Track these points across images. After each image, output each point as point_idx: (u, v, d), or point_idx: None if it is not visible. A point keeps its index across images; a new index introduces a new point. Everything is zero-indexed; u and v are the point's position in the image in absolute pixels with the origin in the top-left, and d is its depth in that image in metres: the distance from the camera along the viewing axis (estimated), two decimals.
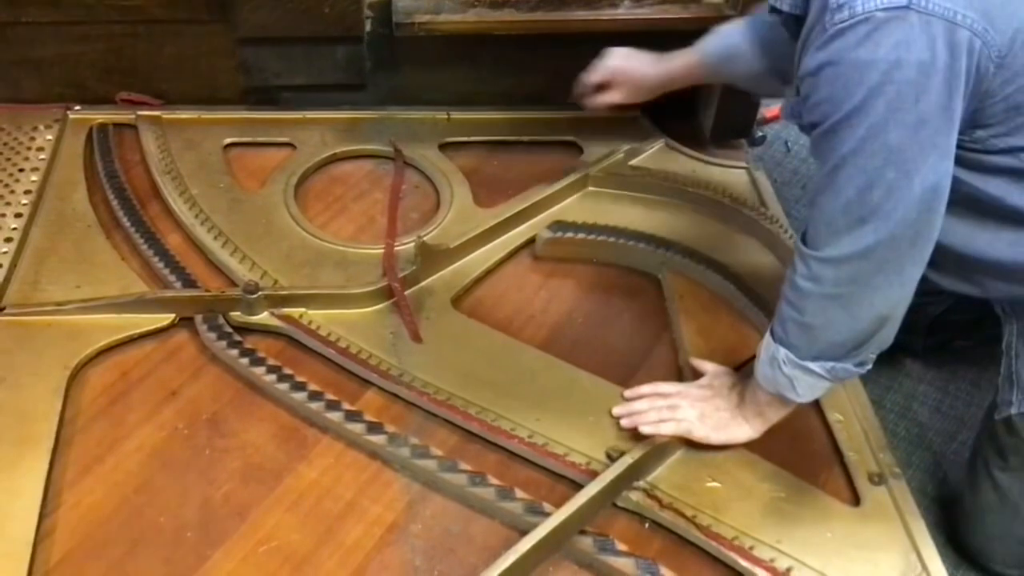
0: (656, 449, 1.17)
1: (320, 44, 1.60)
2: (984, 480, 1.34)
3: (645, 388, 1.25)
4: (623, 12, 1.60)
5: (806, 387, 1.13)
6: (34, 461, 1.12)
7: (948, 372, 1.62)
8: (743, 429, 1.20)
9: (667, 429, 1.19)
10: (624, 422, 1.22)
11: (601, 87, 1.53)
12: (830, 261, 1.04)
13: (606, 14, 1.60)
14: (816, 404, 1.27)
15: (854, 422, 1.26)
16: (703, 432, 1.19)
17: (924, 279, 1.07)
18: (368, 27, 1.59)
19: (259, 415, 1.22)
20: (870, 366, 1.12)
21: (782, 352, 1.11)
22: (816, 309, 1.07)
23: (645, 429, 1.19)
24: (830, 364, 1.10)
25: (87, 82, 1.63)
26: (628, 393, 1.26)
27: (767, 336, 1.15)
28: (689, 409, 1.21)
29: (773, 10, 1.17)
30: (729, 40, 1.41)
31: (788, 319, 1.10)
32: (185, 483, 1.14)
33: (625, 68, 1.50)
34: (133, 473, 1.15)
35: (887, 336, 1.09)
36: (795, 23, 1.15)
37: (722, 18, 1.57)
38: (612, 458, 1.16)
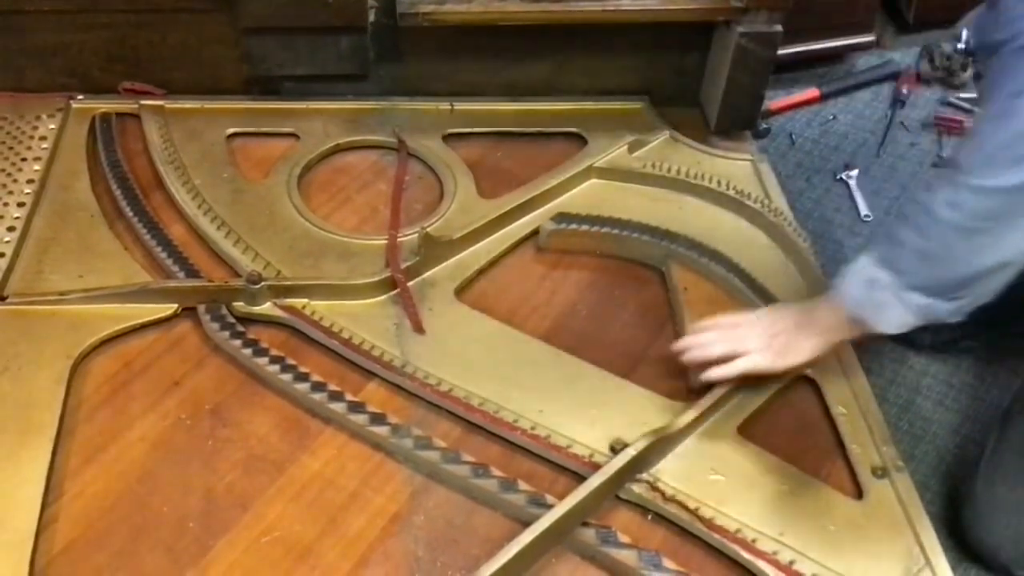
0: (659, 441, 1.17)
1: (324, 34, 1.59)
2: (999, 476, 1.34)
3: (707, 321, 1.25)
4: (628, 3, 1.59)
5: (894, 317, 1.10)
6: (37, 450, 1.12)
7: (952, 366, 1.61)
8: (804, 348, 1.19)
9: (737, 368, 1.19)
10: (687, 356, 1.22)
11: None
12: (981, 191, 1.00)
13: (611, 5, 1.59)
14: (819, 396, 1.27)
15: (857, 415, 1.25)
16: (768, 361, 1.19)
17: None
18: (372, 17, 1.58)
19: (262, 406, 1.22)
20: (962, 317, 1.09)
21: (883, 274, 1.08)
22: (944, 236, 1.04)
23: (713, 374, 1.19)
24: (929, 300, 1.07)
25: (90, 71, 1.62)
26: (684, 342, 1.25)
27: (862, 257, 1.12)
28: (755, 338, 1.20)
29: None
30: None
31: (905, 243, 1.07)
32: (188, 473, 1.14)
33: None
34: (136, 463, 1.15)
35: (996, 285, 1.06)
36: None
37: (729, 9, 1.57)
38: (615, 450, 1.16)
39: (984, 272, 1.05)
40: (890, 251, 1.09)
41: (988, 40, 1.04)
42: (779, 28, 1.58)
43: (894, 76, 2.16)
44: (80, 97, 1.63)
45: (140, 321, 1.29)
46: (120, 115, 1.62)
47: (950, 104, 2.11)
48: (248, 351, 1.26)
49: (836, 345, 1.21)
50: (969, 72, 2.14)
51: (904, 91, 2.10)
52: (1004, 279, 1.06)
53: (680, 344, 1.24)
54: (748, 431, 1.23)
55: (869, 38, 2.15)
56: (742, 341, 1.21)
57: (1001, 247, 1.02)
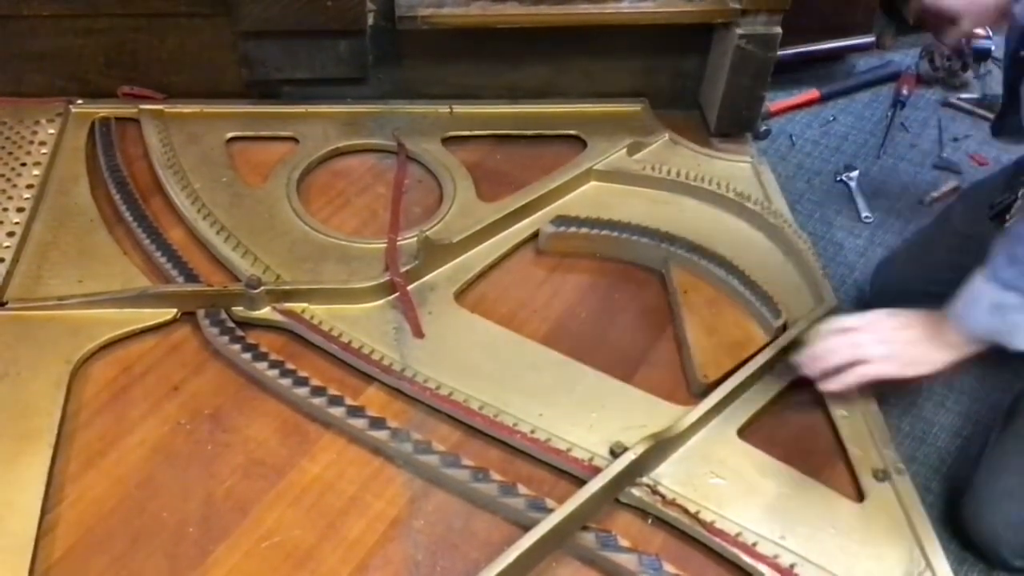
0: (659, 444, 1.16)
1: (322, 38, 1.59)
2: (1000, 468, 1.34)
3: (823, 329, 1.21)
4: (627, 6, 1.59)
5: None
6: (36, 456, 1.12)
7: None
8: (935, 360, 1.17)
9: (861, 377, 1.17)
10: (807, 370, 1.20)
11: (943, 19, 1.49)
12: None
13: (610, 7, 1.59)
14: (820, 399, 1.27)
15: (858, 418, 1.25)
16: (894, 369, 1.17)
17: None
18: (370, 21, 1.58)
19: (261, 410, 1.22)
20: None
21: (1012, 297, 1.08)
22: None
23: (833, 386, 1.17)
24: None
25: (89, 75, 1.62)
26: (807, 354, 1.22)
27: (980, 285, 1.12)
28: (875, 345, 1.17)
29: None
30: None
31: None
32: (187, 478, 1.14)
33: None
34: (135, 468, 1.15)
35: None
36: None
37: (728, 12, 1.56)
38: (615, 454, 1.16)
39: None
40: (1012, 273, 1.09)
41: None
42: (778, 30, 1.58)
43: (894, 77, 2.16)
44: (79, 101, 1.63)
45: (139, 326, 1.29)
46: (119, 119, 1.62)
47: (950, 105, 2.10)
48: (247, 356, 1.26)
49: (965, 358, 1.18)
50: (970, 73, 2.14)
51: (904, 92, 2.10)
52: None
53: (803, 358, 1.22)
54: (749, 434, 1.23)
55: (869, 39, 2.15)
56: (862, 347, 1.18)
57: None
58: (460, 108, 1.70)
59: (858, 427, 1.24)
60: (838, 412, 1.25)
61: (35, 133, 1.55)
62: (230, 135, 1.62)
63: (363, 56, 1.63)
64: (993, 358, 1.34)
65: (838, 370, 1.19)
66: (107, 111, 1.62)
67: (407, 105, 1.69)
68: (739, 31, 1.57)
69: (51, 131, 1.56)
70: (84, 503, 1.11)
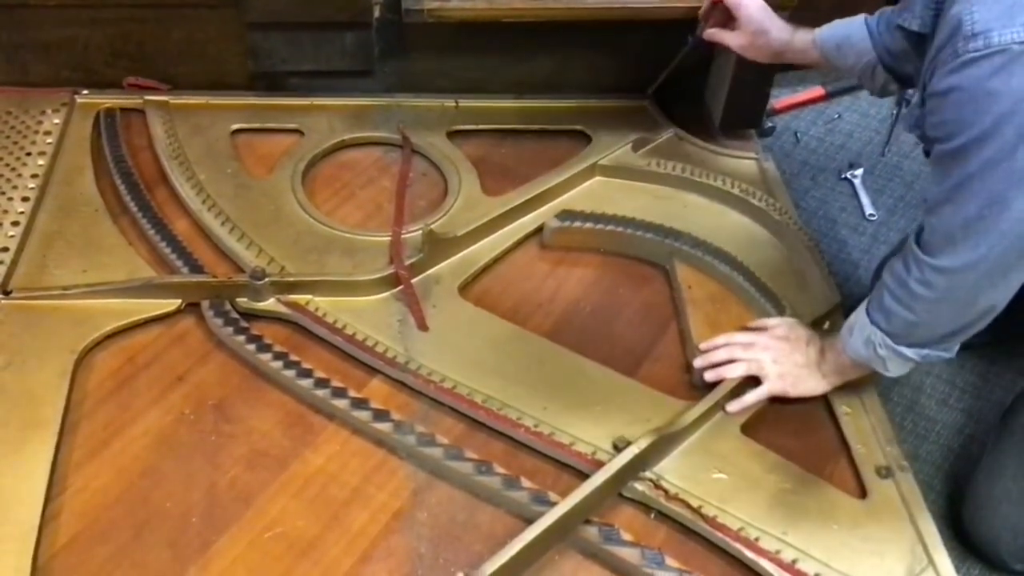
0: (662, 439, 1.16)
1: (329, 30, 1.59)
2: (1000, 470, 1.34)
3: (720, 339, 1.29)
4: (634, 1, 1.58)
5: (896, 367, 1.19)
6: (40, 445, 1.13)
7: (955, 366, 1.61)
8: (820, 384, 1.26)
9: (738, 370, 1.25)
10: (708, 375, 1.26)
11: (724, 23, 1.51)
12: (944, 271, 1.08)
13: (616, 2, 1.59)
14: (824, 396, 1.27)
15: (862, 415, 1.25)
16: (782, 389, 1.25)
17: None
18: (377, 13, 1.58)
19: (265, 401, 1.22)
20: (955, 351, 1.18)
21: (879, 335, 1.17)
22: (925, 309, 1.12)
23: (709, 376, 1.26)
24: (925, 351, 1.16)
25: (95, 66, 1.62)
26: (703, 345, 1.30)
27: (862, 316, 1.19)
28: (763, 352, 1.26)
29: (899, 27, 1.22)
30: (846, 31, 1.41)
31: (889, 310, 1.15)
32: (191, 468, 1.14)
33: (759, 18, 1.47)
34: (139, 458, 1.15)
35: (985, 324, 1.13)
36: (920, 40, 1.19)
37: None
38: (618, 448, 1.16)
39: (971, 323, 1.13)
40: (882, 317, 1.17)
41: (924, 135, 1.12)
42: None
43: None
44: (85, 92, 1.63)
45: (144, 316, 1.29)
46: (124, 110, 1.62)
47: None
48: (252, 347, 1.26)
49: (847, 381, 1.27)
50: None
51: (909, 91, 2.09)
52: (992, 317, 1.12)
53: (697, 362, 1.28)
54: (752, 430, 1.23)
55: None
56: (759, 365, 1.25)
57: (977, 303, 1.10)
58: (465, 102, 1.70)
59: (861, 424, 1.24)
60: (841, 408, 1.26)
61: (40, 123, 1.55)
62: (235, 127, 1.62)
63: (369, 49, 1.63)
64: (996, 357, 1.35)
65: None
66: (112, 102, 1.62)
67: (412, 98, 1.69)
68: None
69: (56, 121, 1.56)
70: (88, 492, 1.11)
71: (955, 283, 1.09)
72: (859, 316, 1.20)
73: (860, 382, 1.27)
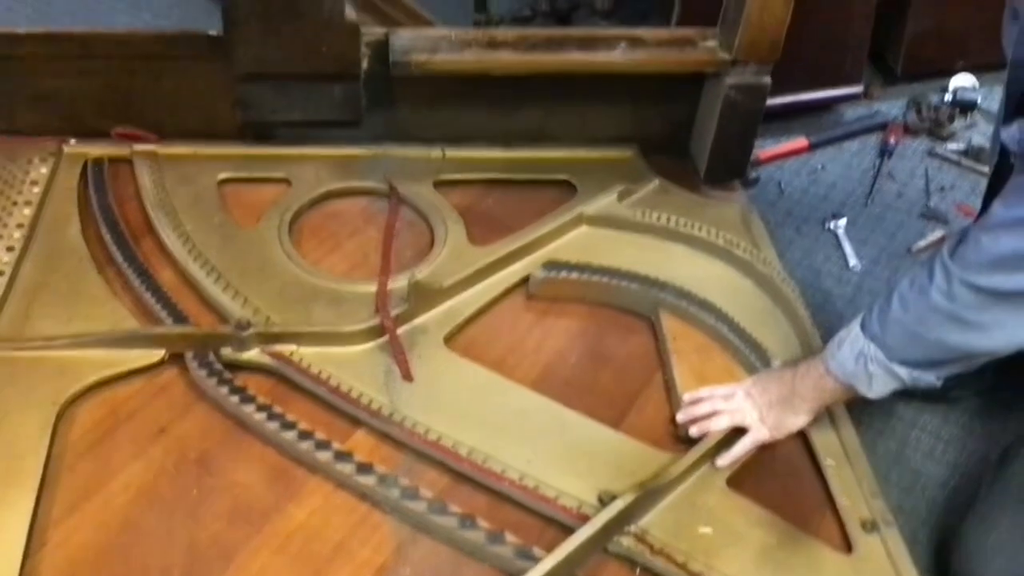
0: (648, 493, 1.16)
1: (317, 81, 1.60)
2: (991, 520, 1.34)
3: (702, 391, 1.29)
4: (619, 54, 1.60)
5: (881, 385, 1.17)
6: (20, 498, 1.11)
7: (940, 418, 1.61)
8: (799, 418, 1.25)
9: (721, 423, 1.24)
10: (692, 430, 1.26)
11: None
12: (975, 287, 1.06)
13: (602, 56, 1.61)
14: (808, 449, 1.27)
15: (847, 467, 1.25)
16: (766, 435, 1.25)
17: None
18: (365, 65, 1.59)
19: (248, 454, 1.21)
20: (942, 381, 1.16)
21: (872, 348, 1.15)
22: (936, 322, 1.10)
23: (693, 431, 1.25)
24: (916, 372, 1.14)
25: (84, 116, 1.62)
26: (686, 398, 1.30)
27: (854, 329, 1.18)
28: (750, 411, 1.25)
29: None
30: None
31: (895, 321, 1.13)
32: (172, 523, 1.13)
33: None
34: (119, 512, 1.14)
35: (979, 363, 1.13)
36: None
37: (718, 62, 1.58)
38: (603, 502, 1.15)
39: (969, 355, 1.12)
40: (879, 326, 1.15)
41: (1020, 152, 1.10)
42: (767, 80, 1.60)
43: (882, 127, 2.18)
44: (72, 142, 1.63)
45: (127, 367, 1.28)
46: (112, 160, 1.62)
47: (937, 155, 2.13)
48: (235, 399, 1.25)
49: (826, 407, 1.27)
50: (956, 124, 2.16)
51: (892, 142, 2.12)
52: (990, 358, 1.12)
53: (680, 417, 1.28)
54: (737, 482, 1.23)
55: (857, 89, 2.18)
56: (742, 415, 1.25)
57: (987, 339, 1.09)
58: (452, 152, 1.71)
59: (846, 477, 1.24)
60: (827, 461, 1.26)
61: (27, 173, 1.55)
62: (223, 176, 1.62)
63: (357, 100, 1.64)
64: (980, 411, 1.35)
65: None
66: (100, 151, 1.62)
67: (400, 148, 1.70)
68: (729, 81, 1.59)
69: (44, 170, 1.56)
70: (67, 548, 1.10)
71: (976, 303, 1.07)
72: (851, 330, 1.19)
73: (845, 435, 1.27)
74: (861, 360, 1.17)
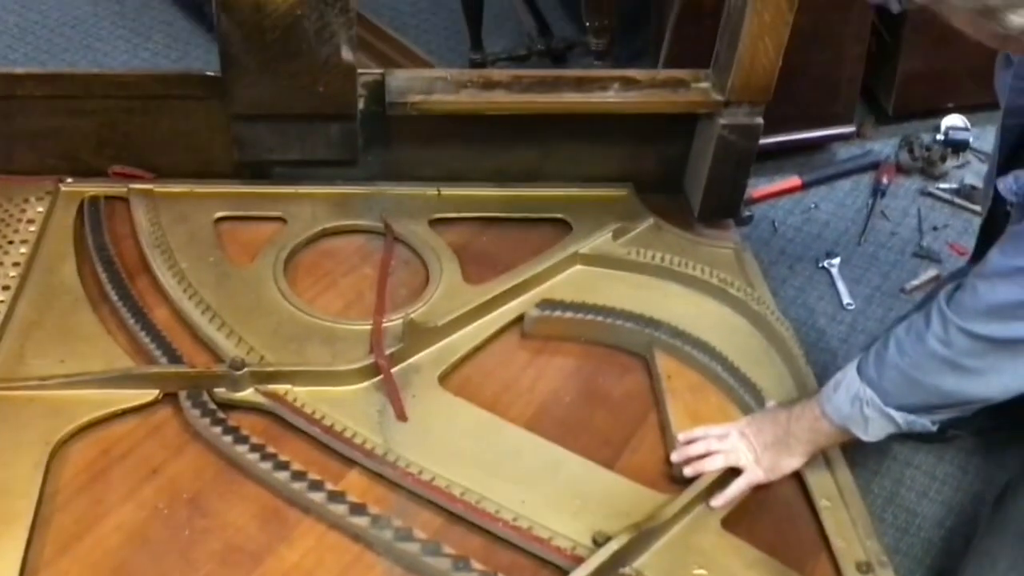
0: (642, 534, 1.16)
1: (314, 121, 1.61)
2: (988, 562, 1.33)
3: (697, 431, 1.28)
4: (613, 95, 1.62)
5: (878, 429, 1.18)
6: (11, 539, 1.11)
7: (935, 457, 1.61)
8: (793, 460, 1.25)
9: (716, 463, 1.24)
10: (687, 470, 1.25)
11: None
12: (972, 335, 1.07)
13: (596, 96, 1.62)
14: (803, 489, 1.27)
15: (841, 508, 1.25)
16: (761, 476, 1.25)
17: None
18: (361, 105, 1.61)
19: (241, 494, 1.21)
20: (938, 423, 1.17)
21: (868, 393, 1.16)
22: (932, 368, 1.11)
23: (687, 471, 1.24)
24: (912, 417, 1.15)
25: (81, 154, 1.63)
26: (681, 437, 1.29)
27: (851, 373, 1.19)
28: (744, 452, 1.24)
29: None
30: None
31: (891, 365, 1.14)
32: (164, 566, 1.12)
33: None
34: (111, 553, 1.13)
35: (975, 408, 1.13)
36: None
37: (711, 103, 1.60)
38: (598, 543, 1.15)
39: (965, 402, 1.13)
40: (875, 372, 1.16)
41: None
42: (760, 121, 1.61)
43: (874, 166, 2.19)
44: (69, 180, 1.63)
45: (120, 407, 1.28)
46: (109, 198, 1.62)
47: (929, 194, 2.14)
48: (228, 438, 1.25)
49: (821, 449, 1.26)
50: (948, 163, 2.18)
51: (884, 181, 2.13)
52: (983, 405, 1.13)
53: (675, 457, 1.28)
54: (732, 523, 1.23)
55: (849, 129, 2.19)
56: (736, 455, 1.25)
57: (984, 385, 1.10)
58: (448, 190, 1.72)
59: (841, 517, 1.24)
60: (822, 502, 1.25)
61: (24, 211, 1.56)
62: (219, 215, 1.62)
63: (353, 139, 1.65)
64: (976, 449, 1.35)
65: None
66: (97, 190, 1.63)
67: (395, 187, 1.71)
68: (722, 121, 1.60)
69: (40, 209, 1.57)
70: None
71: (973, 350, 1.08)
72: (847, 373, 1.20)
73: (839, 475, 1.27)
74: (857, 404, 1.17)
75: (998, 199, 1.32)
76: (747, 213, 1.80)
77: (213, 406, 1.29)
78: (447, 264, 1.57)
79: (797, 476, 1.28)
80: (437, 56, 2.35)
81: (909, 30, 2.13)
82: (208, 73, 1.57)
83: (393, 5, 2.66)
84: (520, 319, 1.49)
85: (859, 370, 1.18)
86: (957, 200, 2.11)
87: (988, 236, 1.44)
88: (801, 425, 1.24)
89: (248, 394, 1.32)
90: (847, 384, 1.19)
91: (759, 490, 1.26)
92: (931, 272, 1.94)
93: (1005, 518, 1.39)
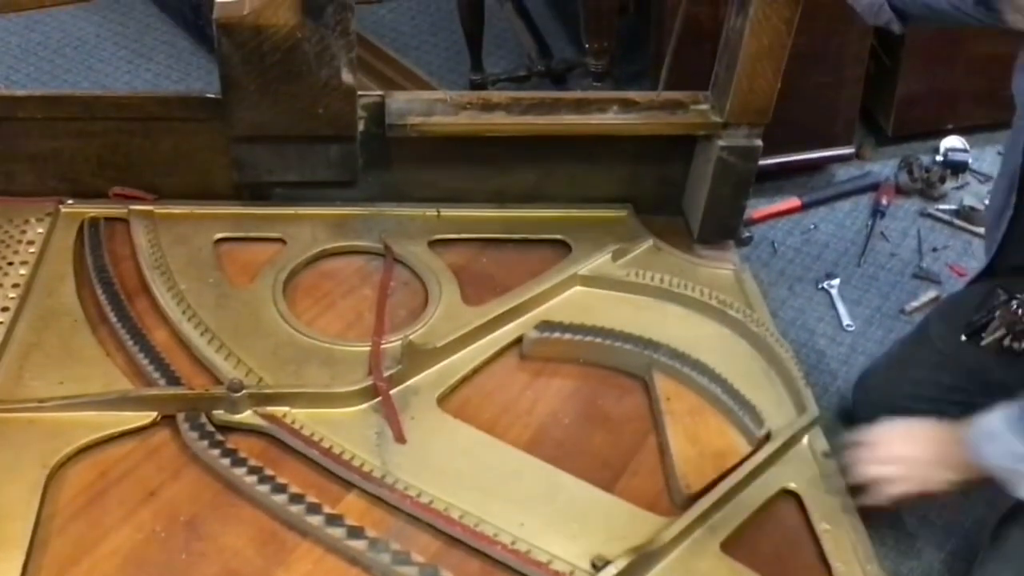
0: (641, 558, 1.15)
1: (314, 143, 1.62)
2: None
3: (879, 443, 1.26)
4: (612, 117, 1.62)
5: None
6: (8, 563, 1.10)
7: None
8: (941, 482, 1.22)
9: (878, 499, 1.23)
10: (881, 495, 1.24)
11: None
12: None
13: (595, 118, 1.63)
14: (804, 513, 1.26)
15: (842, 532, 1.25)
16: (909, 488, 1.22)
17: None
18: (361, 127, 1.61)
19: (238, 518, 1.20)
20: None
21: None
22: None
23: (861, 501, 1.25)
24: None
25: (81, 176, 1.64)
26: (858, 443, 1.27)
27: (1002, 426, 1.14)
28: (890, 465, 1.23)
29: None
30: None
31: None
32: None
33: None
34: None
35: None
36: None
37: (710, 125, 1.60)
38: (596, 567, 1.14)
39: None
40: None
41: None
42: (759, 142, 1.61)
43: (874, 187, 2.20)
44: (70, 201, 1.64)
45: (118, 430, 1.28)
46: (109, 219, 1.63)
47: (929, 215, 2.14)
48: (226, 461, 1.24)
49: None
50: (948, 184, 2.18)
51: (884, 202, 2.14)
52: None
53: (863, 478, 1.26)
54: (731, 547, 1.22)
55: (849, 150, 2.20)
56: (881, 470, 1.23)
57: None
58: (447, 211, 1.72)
59: (841, 541, 1.23)
60: (821, 526, 1.25)
61: (24, 232, 1.56)
62: (219, 236, 1.63)
63: (353, 160, 1.65)
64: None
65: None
66: (97, 211, 1.63)
67: (395, 208, 1.71)
68: (721, 143, 1.60)
69: (40, 230, 1.57)
70: None
71: None
72: (993, 424, 1.15)
73: (840, 499, 1.27)
74: (1013, 459, 1.13)
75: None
76: (746, 234, 1.80)
77: (211, 428, 1.29)
78: (446, 285, 1.57)
79: (797, 500, 1.28)
80: (438, 77, 2.36)
81: (908, 52, 2.15)
82: (208, 95, 1.58)
83: (394, 26, 2.67)
84: (519, 340, 1.49)
85: (1013, 424, 1.13)
86: (956, 221, 2.12)
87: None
88: (954, 454, 1.20)
89: (246, 416, 1.31)
90: (996, 435, 1.14)
91: (759, 514, 1.25)
92: (931, 293, 1.94)
93: (1007, 543, 1.38)
